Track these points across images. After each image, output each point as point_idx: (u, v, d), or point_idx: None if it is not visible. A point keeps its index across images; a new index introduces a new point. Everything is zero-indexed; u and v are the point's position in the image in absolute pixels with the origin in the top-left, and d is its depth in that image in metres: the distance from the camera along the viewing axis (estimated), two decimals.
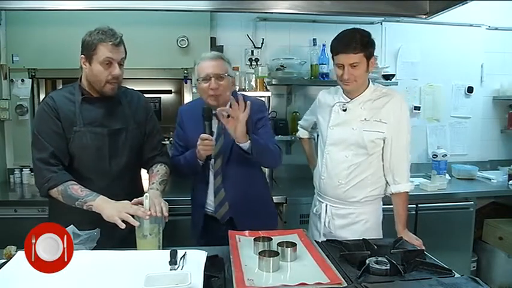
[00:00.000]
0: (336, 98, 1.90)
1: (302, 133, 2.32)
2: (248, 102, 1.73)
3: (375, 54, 1.81)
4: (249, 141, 1.74)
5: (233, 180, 1.88)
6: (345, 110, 1.85)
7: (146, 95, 1.97)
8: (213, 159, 1.87)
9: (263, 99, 2.50)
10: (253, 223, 1.75)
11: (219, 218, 1.91)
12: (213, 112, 1.80)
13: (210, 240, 1.88)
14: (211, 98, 1.81)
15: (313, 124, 2.18)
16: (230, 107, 1.70)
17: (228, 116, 1.70)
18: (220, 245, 1.55)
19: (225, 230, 1.81)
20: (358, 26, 1.84)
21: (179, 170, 1.91)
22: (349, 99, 1.85)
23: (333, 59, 1.82)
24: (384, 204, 1.96)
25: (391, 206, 1.92)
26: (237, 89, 2.75)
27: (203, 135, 1.75)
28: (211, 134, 1.78)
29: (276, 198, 2.44)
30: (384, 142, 1.82)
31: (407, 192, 1.85)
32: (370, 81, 1.87)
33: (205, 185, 1.92)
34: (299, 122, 2.36)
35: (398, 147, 1.82)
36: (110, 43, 1.61)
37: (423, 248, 1.59)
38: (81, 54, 1.66)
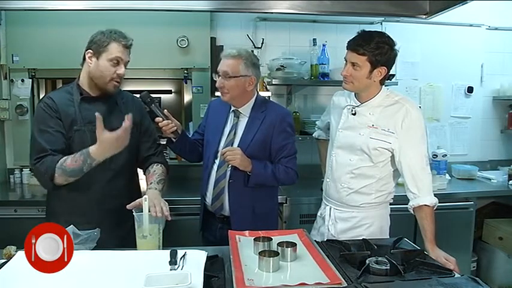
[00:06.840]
0: (348, 101, 1.87)
1: (318, 133, 2.26)
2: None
3: (389, 66, 1.74)
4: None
5: (235, 176, 1.87)
6: (354, 114, 1.81)
7: None
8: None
9: None
10: (250, 220, 1.78)
11: (212, 210, 1.93)
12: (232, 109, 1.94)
13: (207, 235, 2.01)
14: (221, 94, 1.89)
15: (328, 125, 2.08)
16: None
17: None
18: (217, 242, 1.54)
19: (220, 227, 1.83)
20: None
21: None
22: (360, 103, 1.81)
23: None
24: (390, 204, 1.90)
25: (398, 206, 1.90)
26: None
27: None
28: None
29: None
30: (392, 154, 1.75)
31: (428, 206, 1.68)
32: (383, 86, 1.81)
33: (208, 175, 1.94)
34: (317, 122, 2.31)
35: (413, 159, 1.71)
36: (123, 43, 1.68)
37: (452, 267, 1.45)
38: (89, 49, 1.69)
